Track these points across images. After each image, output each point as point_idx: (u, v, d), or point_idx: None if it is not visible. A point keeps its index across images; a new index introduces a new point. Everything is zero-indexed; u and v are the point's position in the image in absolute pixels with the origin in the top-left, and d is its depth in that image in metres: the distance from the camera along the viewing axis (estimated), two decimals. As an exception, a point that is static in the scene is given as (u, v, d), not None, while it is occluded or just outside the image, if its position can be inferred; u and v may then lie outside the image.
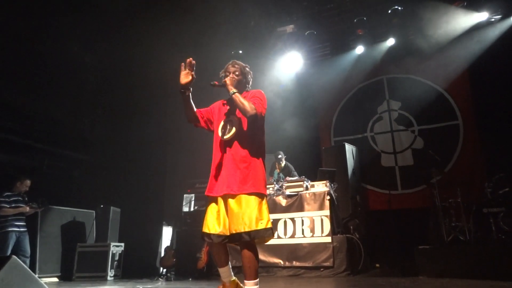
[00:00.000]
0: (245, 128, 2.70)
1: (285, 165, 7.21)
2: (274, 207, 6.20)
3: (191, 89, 2.72)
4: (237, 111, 2.72)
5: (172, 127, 9.03)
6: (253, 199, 2.54)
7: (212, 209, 2.66)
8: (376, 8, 7.82)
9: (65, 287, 5.32)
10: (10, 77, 6.76)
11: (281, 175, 7.04)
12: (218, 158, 2.72)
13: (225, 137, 2.69)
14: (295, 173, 7.09)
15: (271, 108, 8.17)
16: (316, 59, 9.18)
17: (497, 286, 3.90)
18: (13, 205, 5.77)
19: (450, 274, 4.71)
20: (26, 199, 6.00)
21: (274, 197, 6.28)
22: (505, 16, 7.49)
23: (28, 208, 5.89)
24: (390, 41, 8.32)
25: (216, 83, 2.75)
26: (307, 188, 6.16)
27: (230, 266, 2.75)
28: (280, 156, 7.16)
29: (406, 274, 5.33)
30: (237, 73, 2.81)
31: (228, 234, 2.56)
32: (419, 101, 8.12)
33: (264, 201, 2.61)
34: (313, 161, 8.16)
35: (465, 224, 5.59)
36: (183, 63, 2.64)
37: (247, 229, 2.46)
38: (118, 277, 6.92)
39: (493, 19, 7.58)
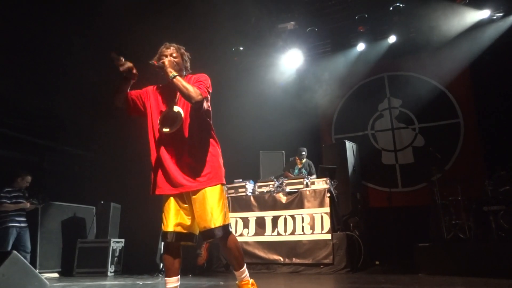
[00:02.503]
0: (191, 116, 2.41)
1: (305, 161, 7.19)
2: (274, 204, 6.21)
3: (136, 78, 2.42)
4: (179, 97, 2.43)
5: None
6: (217, 192, 2.37)
7: (168, 206, 2.39)
8: (378, 5, 7.78)
9: (66, 283, 5.33)
10: (11, 73, 6.76)
11: (303, 170, 7.03)
12: (162, 152, 2.40)
13: (169, 129, 2.37)
14: (314, 170, 7.04)
15: (272, 105, 8.16)
16: (317, 56, 9.15)
17: (497, 284, 3.91)
18: (13, 200, 5.78)
19: (450, 272, 4.71)
20: (27, 195, 6.01)
21: (274, 194, 6.28)
22: (507, 14, 7.46)
23: (28, 204, 5.90)
24: (392, 39, 8.28)
25: (156, 62, 2.43)
26: (307, 185, 6.16)
27: (178, 283, 2.41)
28: (304, 153, 7.10)
29: (406, 272, 5.33)
30: (174, 54, 2.52)
31: (186, 231, 2.39)
32: (420, 99, 8.11)
33: (224, 192, 2.43)
34: (313, 158, 8.15)
35: (465, 222, 5.60)
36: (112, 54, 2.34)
37: (217, 224, 2.30)
38: (118, 273, 6.95)
39: (495, 17, 7.56)
